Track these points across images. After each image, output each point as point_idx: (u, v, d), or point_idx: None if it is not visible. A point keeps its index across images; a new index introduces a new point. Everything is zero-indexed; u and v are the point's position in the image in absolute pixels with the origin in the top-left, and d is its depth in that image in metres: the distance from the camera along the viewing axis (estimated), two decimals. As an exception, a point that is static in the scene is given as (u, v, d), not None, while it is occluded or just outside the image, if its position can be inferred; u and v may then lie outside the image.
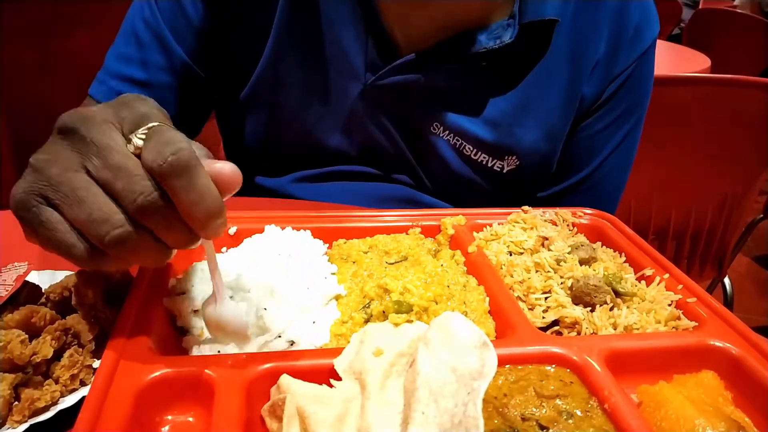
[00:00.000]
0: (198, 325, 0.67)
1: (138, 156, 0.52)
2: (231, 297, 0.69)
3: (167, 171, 0.50)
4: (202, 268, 0.74)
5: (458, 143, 1.07)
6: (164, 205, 0.51)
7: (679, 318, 0.73)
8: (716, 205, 1.84)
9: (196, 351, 0.65)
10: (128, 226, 0.51)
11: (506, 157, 1.08)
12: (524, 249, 0.85)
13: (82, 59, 1.07)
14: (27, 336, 0.59)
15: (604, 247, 0.90)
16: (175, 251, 0.56)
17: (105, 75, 1.05)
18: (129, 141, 0.53)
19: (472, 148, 1.07)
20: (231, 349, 0.64)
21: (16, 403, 0.56)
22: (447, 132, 1.07)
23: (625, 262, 0.86)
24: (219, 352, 0.64)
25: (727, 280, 2.03)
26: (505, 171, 1.09)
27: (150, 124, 0.53)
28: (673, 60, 2.58)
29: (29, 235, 0.54)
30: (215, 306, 0.61)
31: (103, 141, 0.52)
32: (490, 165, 1.09)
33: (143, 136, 0.53)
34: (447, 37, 0.99)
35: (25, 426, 0.55)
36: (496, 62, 1.01)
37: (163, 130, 0.53)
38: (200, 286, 0.71)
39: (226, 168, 0.54)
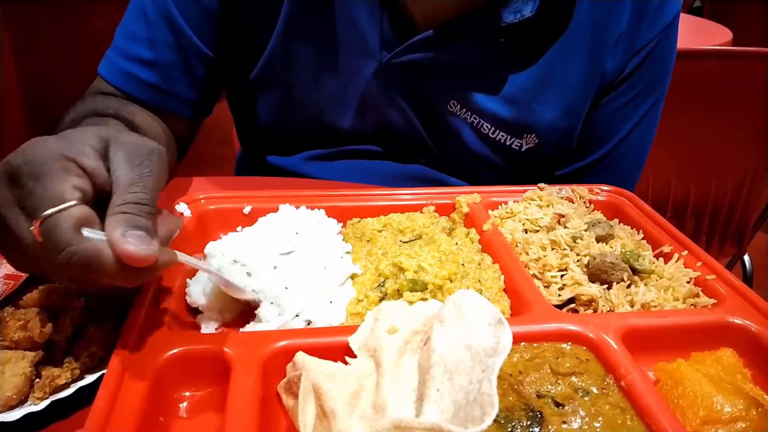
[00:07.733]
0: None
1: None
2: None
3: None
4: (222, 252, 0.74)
5: (476, 121, 1.05)
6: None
7: (698, 295, 0.72)
8: (737, 181, 1.80)
9: (205, 329, 0.66)
10: None
11: (525, 135, 1.06)
12: (540, 227, 0.84)
13: (97, 36, 1.05)
14: (47, 315, 0.60)
15: (622, 224, 0.89)
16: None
17: (114, 53, 1.04)
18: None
19: (489, 126, 1.05)
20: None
21: (38, 380, 0.57)
22: (464, 110, 1.05)
23: (642, 239, 0.85)
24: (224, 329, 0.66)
25: (746, 258, 2.00)
26: (523, 149, 1.07)
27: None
28: (694, 33, 2.52)
29: None
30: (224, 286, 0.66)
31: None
32: (508, 143, 1.07)
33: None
34: (464, 11, 0.97)
35: (47, 402, 0.56)
36: (515, 38, 0.98)
37: (57, 230, 0.49)
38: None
39: (129, 247, 0.49)
